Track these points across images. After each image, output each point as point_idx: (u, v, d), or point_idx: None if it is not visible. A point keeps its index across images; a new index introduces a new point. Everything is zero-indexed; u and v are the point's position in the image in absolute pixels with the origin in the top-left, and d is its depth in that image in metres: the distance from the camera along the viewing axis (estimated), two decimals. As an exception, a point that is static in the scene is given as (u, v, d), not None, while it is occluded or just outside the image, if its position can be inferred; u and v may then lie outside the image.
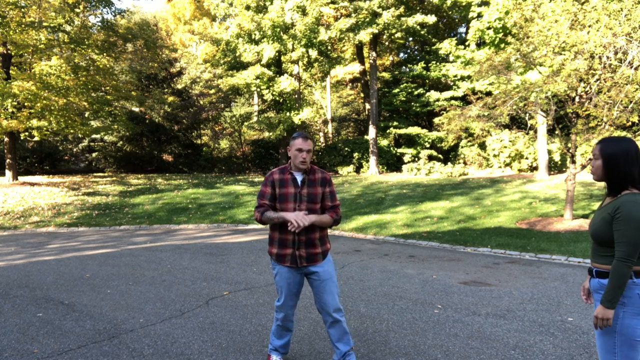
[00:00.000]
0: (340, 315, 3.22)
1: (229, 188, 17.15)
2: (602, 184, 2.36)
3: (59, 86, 16.40)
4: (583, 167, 9.77)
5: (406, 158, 23.76)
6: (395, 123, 24.61)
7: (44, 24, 16.28)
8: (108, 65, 19.97)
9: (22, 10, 16.05)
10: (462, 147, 22.98)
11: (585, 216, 10.25)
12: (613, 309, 2.22)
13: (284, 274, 3.25)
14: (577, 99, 9.31)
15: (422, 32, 23.22)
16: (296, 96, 22.50)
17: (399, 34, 22.46)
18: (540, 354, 3.59)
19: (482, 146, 22.02)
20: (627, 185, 2.26)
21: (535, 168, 19.73)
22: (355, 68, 28.82)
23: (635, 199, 2.19)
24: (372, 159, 23.07)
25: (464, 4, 20.14)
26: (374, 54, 23.95)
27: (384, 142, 24.47)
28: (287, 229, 3.13)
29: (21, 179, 18.88)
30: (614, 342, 2.25)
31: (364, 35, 20.63)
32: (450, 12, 24.63)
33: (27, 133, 17.72)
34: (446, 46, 22.24)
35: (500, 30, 17.30)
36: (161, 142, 26.38)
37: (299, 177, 3.23)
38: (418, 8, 24.05)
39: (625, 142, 2.27)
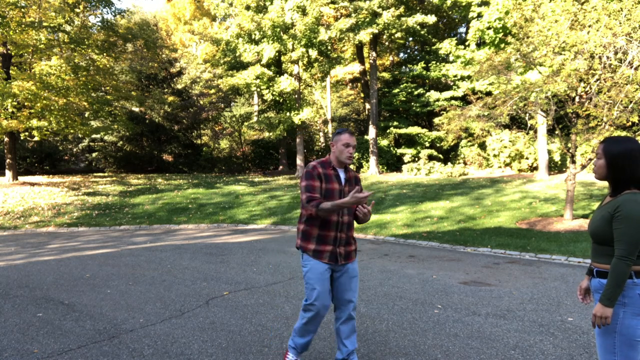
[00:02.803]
0: (355, 313, 3.26)
1: (229, 188, 17.15)
2: (603, 183, 2.40)
3: (59, 86, 16.40)
4: (583, 167, 9.76)
5: (406, 158, 23.77)
6: (395, 123, 24.62)
7: (44, 24, 16.28)
8: (108, 65, 19.97)
9: (22, 10, 16.05)
10: (462, 147, 22.99)
11: (585, 216, 10.24)
12: (612, 307, 2.22)
13: (320, 270, 3.13)
14: (577, 99, 9.31)
15: (422, 32, 23.21)
16: (296, 96, 22.50)
17: (399, 34, 22.45)
18: (540, 354, 3.59)
19: (482, 146, 22.02)
20: (629, 185, 2.26)
21: (535, 168, 19.73)
22: (355, 68, 28.82)
23: (635, 198, 2.20)
24: (372, 159, 23.07)
25: (464, 4, 20.14)
26: (374, 54, 23.95)
27: (384, 142, 24.48)
28: (328, 226, 3.11)
29: (21, 179, 18.88)
30: (613, 342, 2.25)
31: (364, 35, 20.62)
32: (450, 12, 24.63)
33: (27, 133, 17.73)
34: (446, 46, 22.24)
35: (500, 30, 17.30)
36: (161, 142, 26.38)
37: (342, 174, 3.23)
38: (418, 8, 24.05)
39: (629, 142, 2.28)
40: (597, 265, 2.36)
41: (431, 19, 21.31)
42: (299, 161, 22.57)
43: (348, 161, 3.19)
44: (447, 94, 23.63)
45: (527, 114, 12.43)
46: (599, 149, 2.37)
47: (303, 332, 3.23)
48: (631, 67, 8.32)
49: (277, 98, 22.52)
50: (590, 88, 8.75)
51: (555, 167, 19.78)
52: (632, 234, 2.17)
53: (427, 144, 24.09)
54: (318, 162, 3.21)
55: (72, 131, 18.19)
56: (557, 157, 19.69)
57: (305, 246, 3.17)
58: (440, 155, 23.76)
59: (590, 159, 9.71)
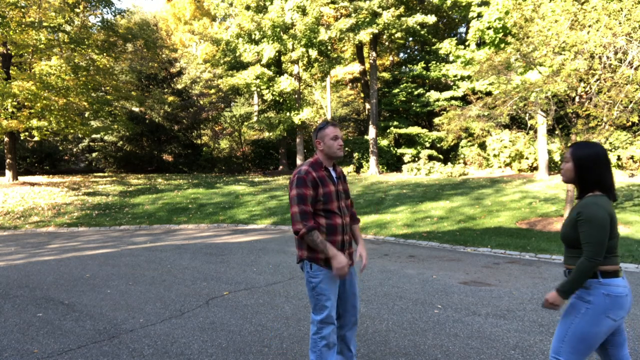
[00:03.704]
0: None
1: (229, 188, 17.15)
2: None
3: (59, 86, 16.40)
4: (583, 167, 9.74)
5: (406, 158, 23.76)
6: (395, 123, 24.62)
7: (44, 24, 16.28)
8: (108, 65, 19.96)
9: (22, 10, 16.05)
10: (462, 147, 22.99)
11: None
12: (565, 299, 2.37)
13: (334, 279, 2.90)
14: (577, 99, 9.31)
15: (422, 32, 23.21)
16: (296, 96, 22.51)
17: (399, 34, 22.46)
18: (540, 354, 3.59)
19: (482, 146, 22.02)
20: (594, 188, 2.37)
21: (535, 168, 19.73)
22: (355, 68, 28.82)
23: (596, 201, 2.31)
24: (372, 159, 23.07)
25: (464, 4, 20.14)
26: (374, 54, 23.95)
27: (384, 142, 24.47)
28: (335, 230, 2.92)
29: (21, 179, 18.88)
30: (566, 332, 2.38)
31: (364, 35, 20.63)
32: (450, 12, 24.63)
33: (27, 133, 17.73)
34: (446, 46, 22.24)
35: (500, 30, 17.30)
36: (161, 142, 26.38)
37: (333, 173, 3.05)
38: (418, 8, 24.05)
39: (596, 147, 2.39)
40: (569, 267, 2.44)
41: (431, 19, 21.31)
42: (299, 161, 22.57)
43: (340, 153, 2.99)
44: (447, 94, 23.63)
45: (527, 114, 12.43)
46: (567, 153, 2.48)
47: (327, 356, 2.90)
48: (631, 67, 8.31)
49: (277, 98, 22.52)
50: (590, 88, 8.75)
51: (555, 167, 19.78)
52: (595, 235, 2.26)
53: (427, 144, 24.09)
54: (309, 165, 2.96)
55: (72, 131, 18.19)
56: (557, 157, 19.69)
57: (313, 256, 2.90)
58: (440, 156, 23.76)
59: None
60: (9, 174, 17.77)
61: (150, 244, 8.90)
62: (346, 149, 24.44)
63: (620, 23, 8.15)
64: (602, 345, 2.46)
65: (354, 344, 3.20)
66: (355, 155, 24.24)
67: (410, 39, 26.69)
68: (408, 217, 11.31)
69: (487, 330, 4.10)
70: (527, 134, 19.90)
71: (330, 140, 2.95)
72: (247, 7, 20.65)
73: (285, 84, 20.87)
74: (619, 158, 18.25)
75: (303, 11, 20.10)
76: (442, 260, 7.19)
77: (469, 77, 21.82)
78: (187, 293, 5.38)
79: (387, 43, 27.67)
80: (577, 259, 2.35)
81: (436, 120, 22.22)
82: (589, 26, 8.39)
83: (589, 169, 2.37)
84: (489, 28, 17.81)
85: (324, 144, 2.97)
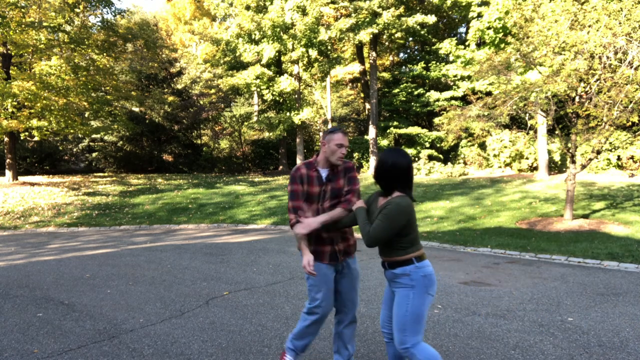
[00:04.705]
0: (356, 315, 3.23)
1: (229, 188, 17.15)
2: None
3: (59, 86, 16.41)
4: (583, 167, 9.76)
5: (406, 158, 23.70)
6: (395, 123, 24.60)
7: (44, 24, 16.28)
8: (108, 65, 19.96)
9: (22, 10, 16.05)
10: (462, 147, 22.97)
11: (585, 216, 10.24)
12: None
13: (322, 271, 3.06)
14: (577, 99, 9.31)
15: (422, 32, 23.20)
16: (296, 96, 22.51)
17: (399, 34, 22.44)
18: (540, 354, 3.59)
19: (482, 146, 22.01)
20: (394, 187, 2.72)
21: (536, 168, 19.73)
22: (355, 68, 28.80)
23: (399, 201, 2.64)
24: (372, 159, 23.07)
25: (464, 4, 20.13)
26: (374, 54, 23.95)
27: (384, 142, 24.47)
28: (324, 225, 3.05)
29: (21, 179, 18.88)
30: (404, 321, 2.64)
31: (364, 35, 20.62)
32: (450, 12, 24.62)
33: (27, 133, 17.72)
34: (446, 46, 22.22)
35: (500, 30, 17.30)
36: (161, 142, 26.38)
37: (323, 174, 3.09)
38: (418, 8, 24.04)
39: (391, 154, 2.73)
40: (386, 259, 2.77)
41: (431, 19, 21.30)
42: (298, 161, 22.56)
43: (339, 162, 3.06)
44: (447, 94, 23.61)
45: (527, 114, 12.45)
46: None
47: (303, 335, 3.16)
48: (631, 67, 8.31)
49: (277, 98, 22.52)
50: (590, 88, 8.75)
51: (555, 167, 19.77)
52: (384, 226, 2.62)
53: (427, 144, 24.08)
54: (303, 163, 3.14)
55: (72, 131, 18.19)
56: (557, 157, 19.69)
57: None
58: (440, 155, 23.75)
59: (591, 159, 9.71)
60: (9, 174, 17.77)
61: (150, 244, 8.90)
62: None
63: (620, 23, 8.15)
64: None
65: (353, 343, 3.21)
66: (355, 155, 24.23)
67: (410, 39, 26.67)
68: (408, 217, 11.29)
69: (487, 330, 4.10)
70: (527, 134, 19.90)
71: (335, 146, 3.04)
72: (247, 7, 20.65)
73: (285, 84, 20.87)
74: (619, 158, 18.24)
75: (303, 11, 20.09)
76: (442, 260, 7.19)
77: (469, 77, 21.81)
78: (187, 293, 5.38)
79: (387, 43, 27.65)
80: (392, 250, 2.70)
81: (436, 120, 22.22)
82: (589, 26, 8.39)
83: (380, 172, 2.77)
84: (489, 28, 17.82)
85: (328, 147, 3.05)
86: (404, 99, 24.69)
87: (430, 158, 23.26)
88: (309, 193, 3.06)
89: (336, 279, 3.15)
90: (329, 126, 31.78)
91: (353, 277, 3.17)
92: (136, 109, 25.20)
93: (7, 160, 17.87)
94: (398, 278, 2.72)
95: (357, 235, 3.36)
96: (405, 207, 2.63)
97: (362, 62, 26.40)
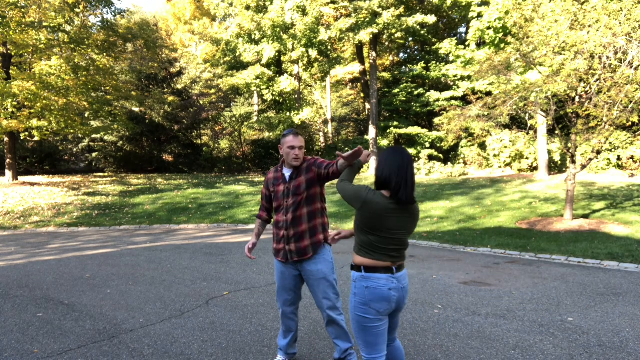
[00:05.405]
0: (336, 314, 3.16)
1: (229, 188, 17.15)
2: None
3: (59, 86, 16.40)
4: (583, 167, 9.75)
5: (406, 158, 23.69)
6: (395, 123, 24.60)
7: (44, 24, 16.27)
8: (108, 65, 19.95)
9: (22, 10, 16.04)
10: (462, 147, 22.97)
11: (585, 216, 10.24)
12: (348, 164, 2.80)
13: (278, 268, 3.35)
14: (577, 99, 9.31)
15: (422, 32, 23.20)
16: (296, 96, 22.51)
17: (399, 34, 22.43)
18: (540, 354, 3.59)
19: (482, 146, 22.01)
20: (383, 186, 2.57)
21: (536, 168, 19.73)
22: (355, 68, 28.81)
23: (362, 186, 2.56)
24: (372, 159, 23.06)
25: (464, 4, 20.14)
26: (374, 54, 23.95)
27: (384, 142, 24.47)
28: (277, 224, 3.29)
29: (21, 179, 18.88)
30: (352, 323, 2.54)
31: (364, 35, 20.62)
32: (450, 12, 24.62)
33: (27, 133, 17.71)
34: (446, 46, 22.23)
35: (500, 30, 17.30)
36: (161, 142, 26.37)
37: (287, 173, 3.25)
38: (418, 8, 24.04)
39: (389, 153, 2.56)
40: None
41: (431, 19, 21.30)
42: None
43: (295, 163, 3.16)
44: (447, 94, 23.61)
45: (527, 114, 12.44)
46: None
47: (282, 333, 3.40)
48: (631, 67, 8.31)
49: (277, 98, 22.53)
50: (590, 88, 8.75)
51: (555, 167, 19.77)
52: (347, 195, 2.58)
53: (427, 144, 24.07)
54: (274, 167, 3.38)
55: (72, 131, 18.18)
56: (557, 157, 19.69)
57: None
58: (441, 155, 23.75)
59: (591, 159, 9.71)
60: (9, 174, 17.77)
61: (150, 244, 8.90)
62: (346, 149, 24.44)
63: (620, 23, 8.14)
64: None
65: (342, 339, 3.20)
66: (356, 155, 24.19)
67: (410, 39, 26.66)
68: (408, 217, 11.29)
69: (487, 330, 4.10)
70: (527, 134, 19.89)
71: (287, 148, 3.16)
72: (247, 7, 20.66)
73: (285, 84, 20.87)
74: (619, 158, 18.24)
75: (303, 11, 20.10)
76: (442, 260, 7.19)
77: (469, 77, 21.81)
78: (187, 293, 5.38)
79: (387, 43, 27.65)
80: (355, 245, 2.58)
81: (436, 120, 22.21)
82: (589, 26, 8.39)
83: (377, 170, 2.62)
84: (489, 28, 17.82)
85: (284, 150, 3.20)
86: (404, 99, 24.68)
87: (430, 158, 23.26)
88: (276, 192, 3.29)
89: (303, 280, 3.31)
90: (329, 126, 31.80)
91: (314, 279, 3.19)
92: (136, 109, 25.19)
93: (7, 160, 17.86)
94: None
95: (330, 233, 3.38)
96: (359, 190, 2.50)
97: (362, 62, 26.39)
